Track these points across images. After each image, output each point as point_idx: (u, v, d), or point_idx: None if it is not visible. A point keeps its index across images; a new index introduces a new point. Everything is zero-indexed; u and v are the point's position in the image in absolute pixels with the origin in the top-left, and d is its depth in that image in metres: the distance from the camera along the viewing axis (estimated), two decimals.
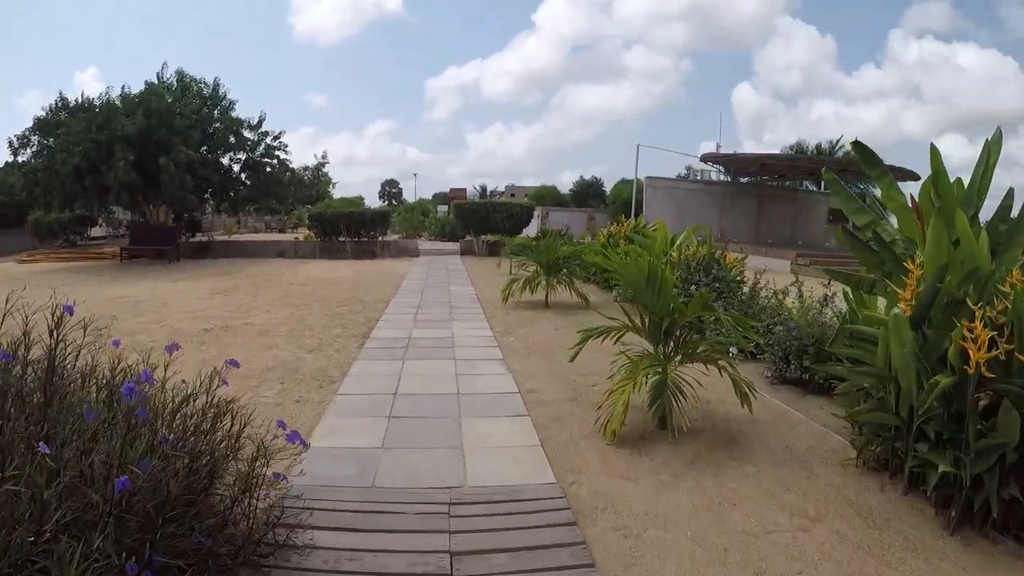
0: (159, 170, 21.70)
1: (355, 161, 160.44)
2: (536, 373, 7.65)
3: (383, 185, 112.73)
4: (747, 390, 5.49)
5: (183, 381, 3.66)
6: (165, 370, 3.60)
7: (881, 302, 5.47)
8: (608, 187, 70.29)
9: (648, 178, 34.18)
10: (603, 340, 6.15)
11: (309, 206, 45.38)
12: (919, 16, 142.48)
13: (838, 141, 52.89)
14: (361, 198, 68.84)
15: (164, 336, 9.61)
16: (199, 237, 28.93)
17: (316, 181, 61.11)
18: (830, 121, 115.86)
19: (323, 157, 59.72)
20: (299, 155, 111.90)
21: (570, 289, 12.91)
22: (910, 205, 5.28)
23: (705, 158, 34.08)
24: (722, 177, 38.13)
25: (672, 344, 5.84)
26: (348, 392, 6.60)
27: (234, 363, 4.07)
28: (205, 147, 25.30)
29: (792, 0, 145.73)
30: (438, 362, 7.94)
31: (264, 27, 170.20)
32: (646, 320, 5.94)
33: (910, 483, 4.57)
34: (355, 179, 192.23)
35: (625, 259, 6.44)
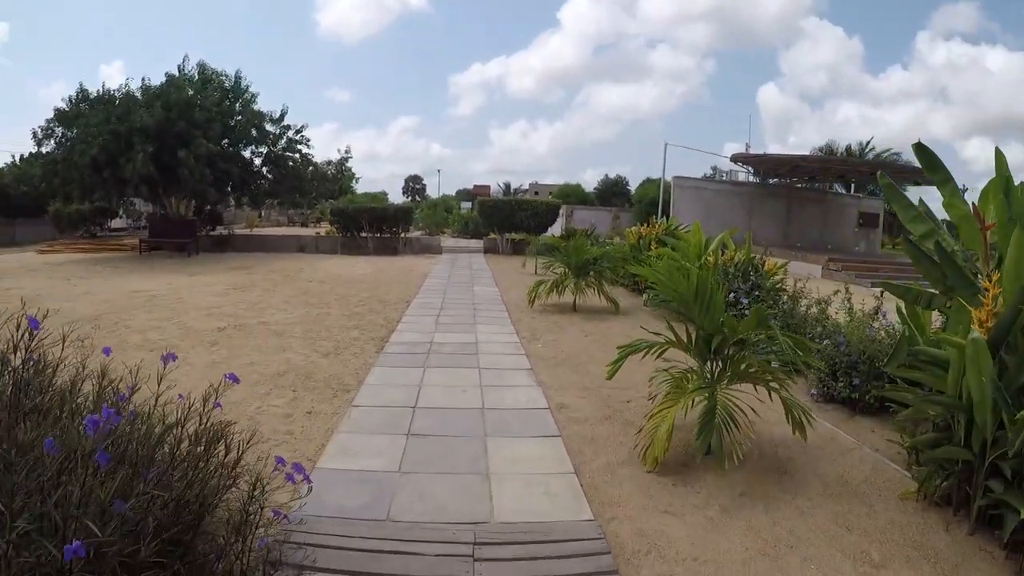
0: (178, 163, 21.36)
1: (378, 157, 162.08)
2: (567, 386, 7.11)
3: (407, 181, 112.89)
4: (803, 417, 4.93)
5: (180, 396, 3.13)
6: (159, 383, 3.10)
7: (937, 318, 5.09)
8: (633, 186, 69.86)
9: (676, 178, 33.44)
10: (643, 356, 5.57)
11: (332, 201, 44.94)
12: (947, 18, 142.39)
13: (868, 143, 51.88)
14: (384, 194, 68.47)
15: (176, 334, 9.24)
16: (219, 230, 28.61)
17: (339, 176, 60.87)
18: (855, 123, 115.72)
19: (346, 152, 60.06)
20: (323, 151, 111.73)
21: (599, 293, 12.34)
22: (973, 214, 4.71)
23: (735, 158, 33.30)
24: (750, 178, 37.35)
25: (719, 363, 5.29)
26: (364, 404, 6.10)
27: (233, 378, 3.59)
28: (227, 140, 24.97)
29: (819, 1, 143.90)
30: (462, 371, 7.41)
31: (289, 23, 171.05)
32: (692, 336, 5.36)
33: (978, 522, 4.09)
34: (379, 175, 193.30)
35: (657, 262, 5.85)
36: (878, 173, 6.02)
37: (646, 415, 5.25)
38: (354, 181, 62.94)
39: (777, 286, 10.35)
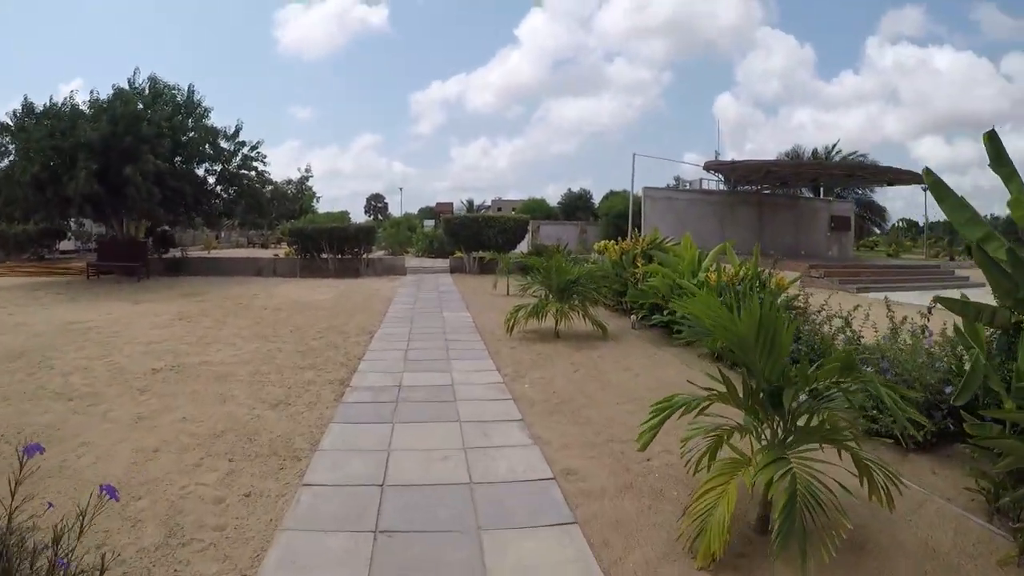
0: (125, 181, 19.86)
1: (340, 175, 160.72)
2: (569, 442, 5.85)
3: (368, 199, 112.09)
4: (891, 481, 3.77)
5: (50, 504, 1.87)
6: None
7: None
8: (596, 199, 69.19)
9: (646, 189, 32.54)
10: (680, 415, 4.38)
11: (293, 221, 43.29)
12: (895, 22, 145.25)
13: (834, 146, 51.76)
14: (347, 213, 66.47)
15: (103, 377, 7.98)
16: (172, 253, 27.02)
17: (300, 195, 59.39)
18: (810, 128, 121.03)
19: (307, 171, 58.76)
20: (284, 169, 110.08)
21: (584, 317, 11.11)
22: None
23: (708, 166, 32.49)
24: (720, 186, 36.60)
25: (781, 419, 4.08)
26: (318, 481, 4.76)
27: (112, 493, 2.38)
28: (180, 157, 23.56)
29: (770, 11, 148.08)
30: (439, 427, 6.08)
31: (249, 41, 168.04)
32: (748, 386, 4.15)
33: None
34: (340, 192, 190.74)
35: (690, 300, 4.66)
36: (923, 170, 5.12)
37: (692, 493, 4.03)
38: (315, 200, 61.58)
39: (791, 303, 9.22)
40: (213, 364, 8.71)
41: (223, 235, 61.04)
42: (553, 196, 71.43)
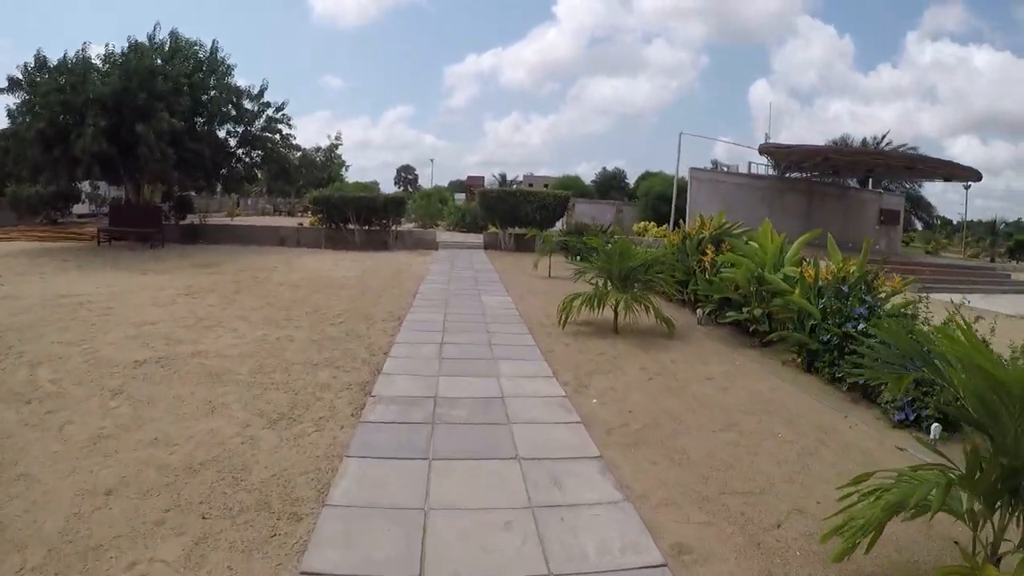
0: (137, 140, 18.44)
1: (371, 146, 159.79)
2: (670, 494, 4.29)
3: (398, 171, 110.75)
4: None
5: None
6: None
7: None
8: (631, 180, 67.45)
9: (693, 170, 30.57)
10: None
11: (320, 189, 41.83)
12: (936, 17, 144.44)
13: (884, 136, 49.70)
14: (376, 183, 65.45)
15: (78, 371, 6.56)
16: (190, 219, 25.61)
17: (328, 163, 57.99)
18: (845, 120, 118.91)
19: (336, 138, 57.01)
20: (315, 139, 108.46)
21: (647, 309, 9.46)
22: None
23: (763, 149, 30.44)
24: (769, 171, 34.65)
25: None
26: (321, 569, 3.21)
27: None
28: (203, 118, 22.13)
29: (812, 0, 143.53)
30: (492, 467, 4.50)
31: (283, 7, 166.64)
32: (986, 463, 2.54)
33: None
34: (371, 163, 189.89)
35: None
36: None
37: None
38: (344, 169, 60.13)
39: (905, 311, 7.53)
40: (209, 356, 7.19)
41: (250, 202, 59.85)
42: (585, 175, 69.40)
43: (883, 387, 6.27)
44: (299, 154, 56.57)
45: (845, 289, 7.65)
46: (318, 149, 58.47)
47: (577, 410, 5.84)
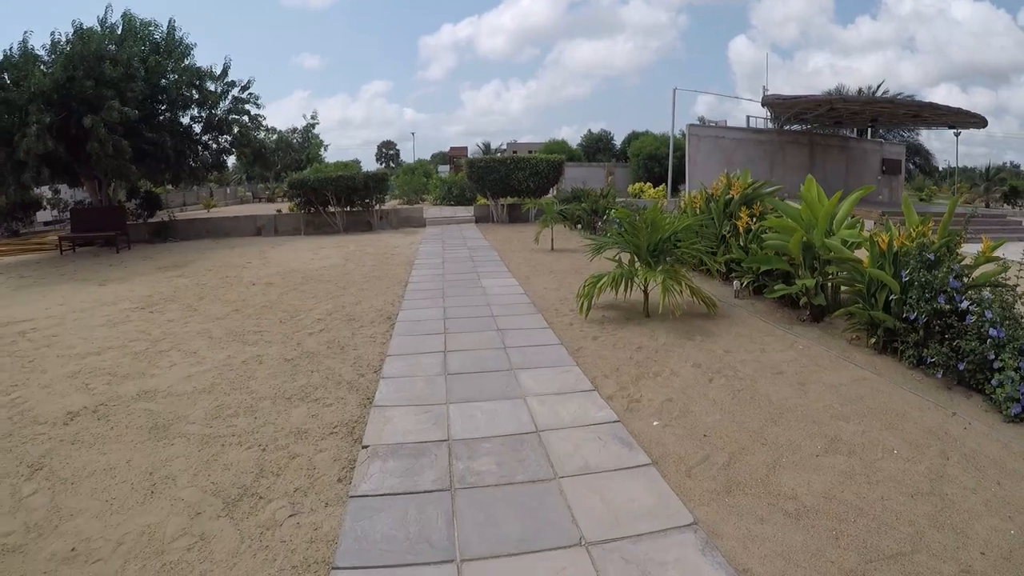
0: (87, 134, 16.75)
1: (351, 124, 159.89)
2: None
3: (379, 147, 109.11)
4: None
5: None
6: None
7: None
8: (617, 141, 65.73)
9: (691, 126, 28.87)
10: None
11: (299, 172, 40.02)
12: None
13: (879, 86, 48.28)
14: (357, 161, 63.21)
15: None
16: (160, 216, 23.85)
17: (306, 144, 56.01)
18: (826, 73, 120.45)
19: (312, 118, 54.75)
20: (295, 120, 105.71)
21: (680, 287, 7.88)
22: None
23: (767, 100, 28.61)
24: (769, 124, 33.11)
25: None
26: None
27: None
28: (163, 105, 20.36)
29: None
30: (546, 568, 3.05)
31: None
32: None
33: None
34: (352, 142, 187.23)
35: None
36: None
37: None
38: (323, 149, 58.16)
39: (996, 281, 6.04)
40: (157, 396, 5.69)
41: (229, 191, 57.92)
42: (569, 139, 67.58)
43: (991, 372, 5.13)
44: (275, 136, 54.85)
45: (931, 257, 6.16)
46: (294, 130, 56.43)
47: (639, 441, 4.38)
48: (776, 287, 8.06)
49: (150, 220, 23.04)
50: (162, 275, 13.32)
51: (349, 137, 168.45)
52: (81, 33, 18.43)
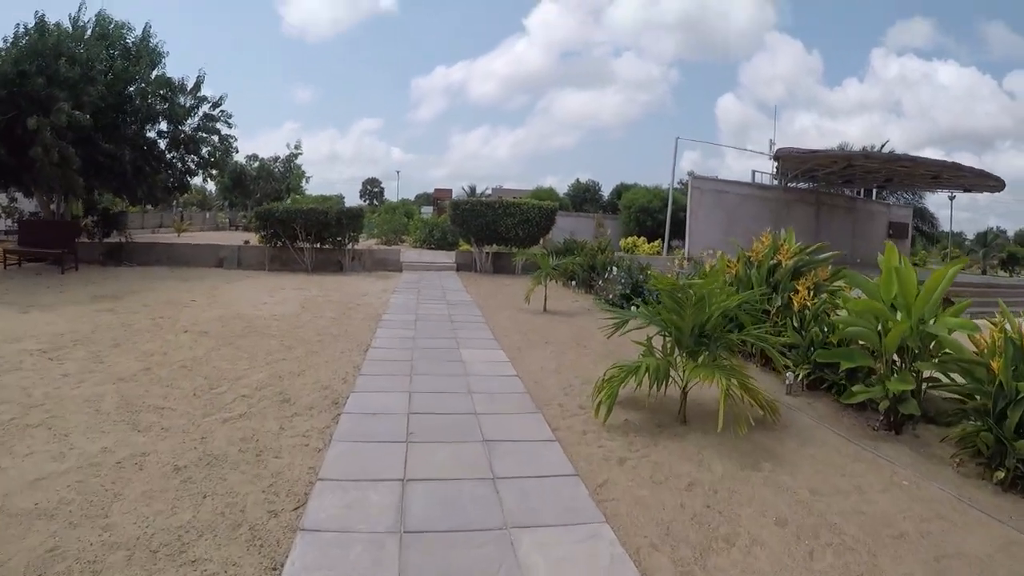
0: (32, 138, 14.77)
1: (339, 159, 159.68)
2: None
3: (364, 184, 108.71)
4: None
5: None
6: None
7: None
8: (605, 192, 64.53)
9: (695, 178, 27.14)
10: None
11: (273, 203, 37.82)
12: (902, 33, 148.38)
13: (883, 146, 47.18)
14: (342, 196, 61.54)
15: None
16: (120, 238, 21.44)
17: (287, 174, 54.01)
18: (812, 133, 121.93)
19: (296, 147, 53.02)
20: (281, 151, 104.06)
21: (724, 386, 5.67)
22: None
23: (780, 153, 27.00)
24: (773, 181, 31.62)
25: None
26: None
27: None
28: (127, 115, 18.43)
29: (783, 15, 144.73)
30: None
31: (252, 15, 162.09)
32: None
33: None
34: (339, 177, 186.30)
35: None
36: None
37: None
38: (304, 180, 56.09)
39: None
40: None
41: (208, 215, 55.87)
42: (558, 188, 66.17)
43: None
44: (256, 164, 53.03)
45: None
46: (276, 159, 54.50)
47: None
48: (855, 389, 6.11)
49: (105, 240, 20.81)
50: (92, 307, 11.31)
51: (337, 172, 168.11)
52: (41, 26, 16.48)
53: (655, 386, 5.85)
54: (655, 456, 5.18)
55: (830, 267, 8.48)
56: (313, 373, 7.25)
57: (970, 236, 72.73)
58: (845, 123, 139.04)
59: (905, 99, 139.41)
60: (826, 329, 7.10)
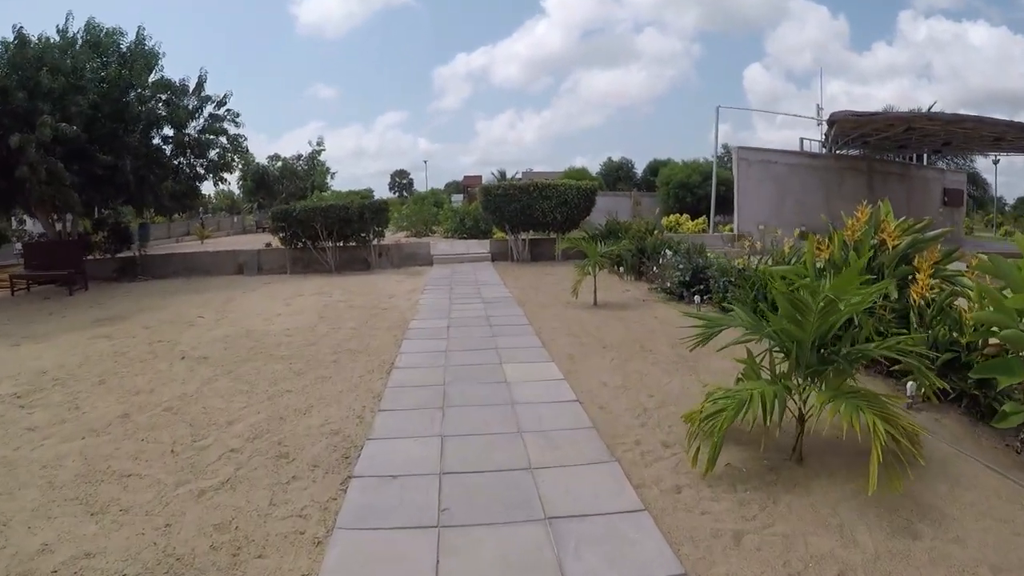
0: (18, 157, 13.62)
1: (365, 154, 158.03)
2: None
3: (392, 176, 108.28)
4: None
5: None
6: None
7: None
8: (639, 170, 62.62)
9: (741, 149, 25.31)
10: None
11: (299, 201, 36.63)
12: None
13: (931, 107, 44.98)
14: (371, 190, 60.28)
15: None
16: (134, 252, 20.20)
17: (311, 171, 52.96)
18: (842, 100, 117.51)
19: (318, 144, 51.97)
20: (302, 149, 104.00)
21: (876, 429, 3.94)
22: None
23: (835, 117, 24.98)
24: (820, 148, 29.72)
25: None
26: None
27: None
28: (124, 123, 17.21)
29: None
30: None
31: (264, 18, 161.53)
32: None
33: None
34: (365, 172, 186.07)
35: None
36: None
37: None
38: (329, 177, 54.96)
39: None
40: None
41: (236, 220, 55.00)
42: (589, 168, 64.33)
43: None
44: (279, 164, 52.06)
45: None
46: (299, 157, 53.47)
47: None
48: (1007, 409, 4.56)
49: (117, 255, 19.66)
50: (89, 333, 10.18)
51: (363, 168, 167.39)
52: (21, 39, 15.28)
53: (768, 420, 4.33)
54: (780, 524, 3.71)
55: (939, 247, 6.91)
56: (322, 410, 5.86)
57: (1010, 201, 70.24)
58: (878, 88, 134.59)
59: (936, 61, 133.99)
60: (953, 329, 5.60)
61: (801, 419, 4.55)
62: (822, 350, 4.51)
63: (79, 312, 12.44)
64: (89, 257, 18.54)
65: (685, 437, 4.69)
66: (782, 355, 4.68)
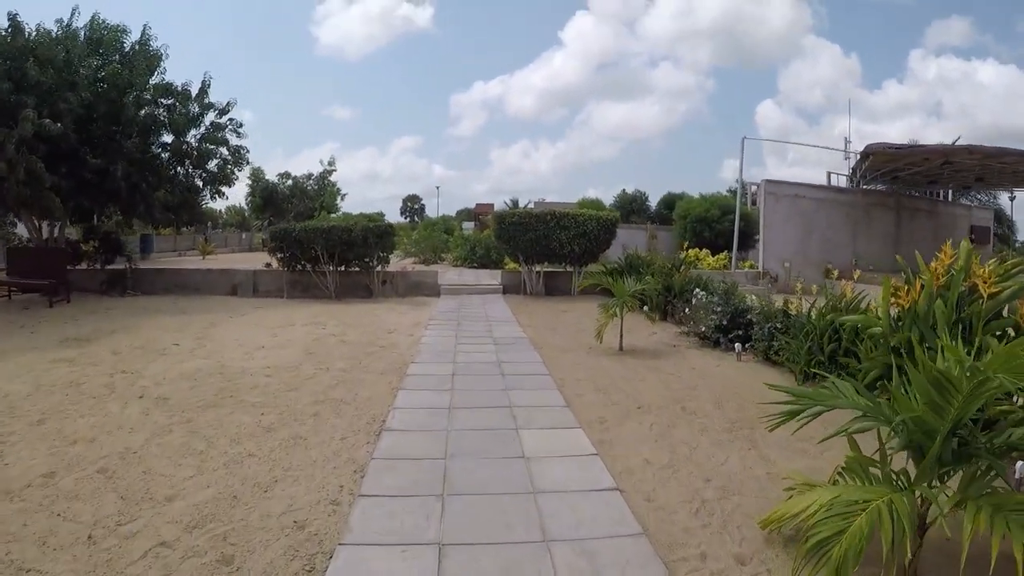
0: None
1: (379, 178, 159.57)
2: None
3: (405, 201, 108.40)
4: None
5: None
6: None
7: None
8: (653, 202, 61.44)
9: (768, 183, 24.19)
10: None
11: (307, 221, 35.49)
12: (940, 32, 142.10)
13: (955, 141, 43.94)
14: (382, 214, 59.27)
15: None
16: (127, 263, 18.97)
17: (320, 191, 51.97)
18: (853, 138, 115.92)
19: (329, 164, 51.11)
20: (313, 168, 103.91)
21: (1004, 530, 2.92)
22: None
23: (870, 149, 23.95)
24: (845, 183, 28.61)
25: None
26: None
27: None
28: (129, 129, 16.27)
29: (820, 19, 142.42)
30: None
31: (285, 37, 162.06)
32: None
33: None
34: (379, 196, 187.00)
35: None
36: None
37: None
38: (339, 198, 53.92)
39: None
40: None
41: (245, 236, 54.11)
42: (602, 199, 63.39)
43: None
44: (289, 182, 51.14)
45: None
46: (309, 176, 52.50)
47: None
48: None
49: (107, 267, 18.47)
50: (52, 355, 9.08)
51: (377, 191, 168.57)
52: (15, 27, 14.24)
53: (892, 541, 3.03)
54: None
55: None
56: (288, 488, 4.56)
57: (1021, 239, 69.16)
58: (887, 126, 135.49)
59: (945, 99, 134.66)
60: None
61: (923, 528, 3.28)
62: (958, 441, 3.25)
63: (51, 328, 11.41)
64: (78, 267, 17.66)
65: (764, 545, 3.45)
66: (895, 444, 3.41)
